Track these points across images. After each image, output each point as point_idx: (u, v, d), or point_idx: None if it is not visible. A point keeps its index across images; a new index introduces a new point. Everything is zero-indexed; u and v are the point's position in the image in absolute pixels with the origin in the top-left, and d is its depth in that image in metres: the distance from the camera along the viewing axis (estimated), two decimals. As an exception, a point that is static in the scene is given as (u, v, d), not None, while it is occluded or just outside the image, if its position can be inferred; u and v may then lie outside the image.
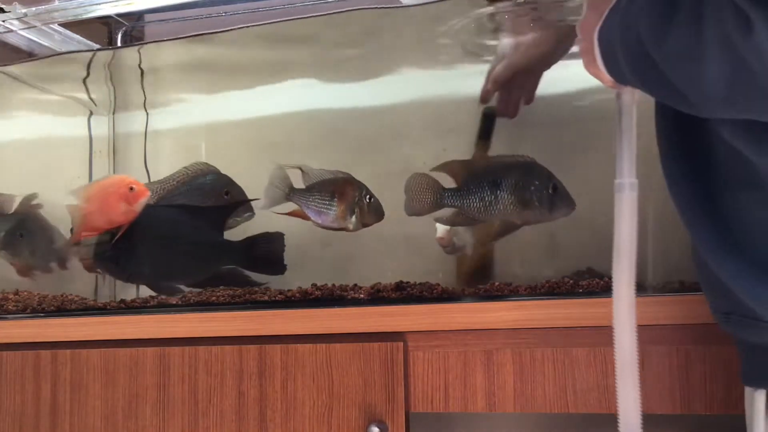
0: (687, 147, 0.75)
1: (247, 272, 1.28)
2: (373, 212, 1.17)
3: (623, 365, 0.77)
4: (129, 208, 1.21)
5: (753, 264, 0.68)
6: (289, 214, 1.21)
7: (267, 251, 1.27)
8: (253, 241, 1.27)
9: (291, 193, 1.21)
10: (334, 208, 1.18)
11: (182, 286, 1.28)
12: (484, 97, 1.23)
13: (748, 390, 0.74)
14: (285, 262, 1.26)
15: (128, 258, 1.26)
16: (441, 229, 1.20)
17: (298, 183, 1.22)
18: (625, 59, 0.68)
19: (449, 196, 1.13)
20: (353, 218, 1.17)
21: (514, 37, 1.22)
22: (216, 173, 1.30)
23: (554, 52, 1.18)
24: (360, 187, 1.18)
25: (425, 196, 1.14)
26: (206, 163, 1.30)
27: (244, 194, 1.28)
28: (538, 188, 1.09)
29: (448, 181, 1.15)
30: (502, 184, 1.11)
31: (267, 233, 1.27)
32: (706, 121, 0.71)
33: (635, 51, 0.66)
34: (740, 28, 0.54)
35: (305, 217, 1.20)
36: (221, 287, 1.25)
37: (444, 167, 1.15)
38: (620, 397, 0.77)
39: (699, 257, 0.77)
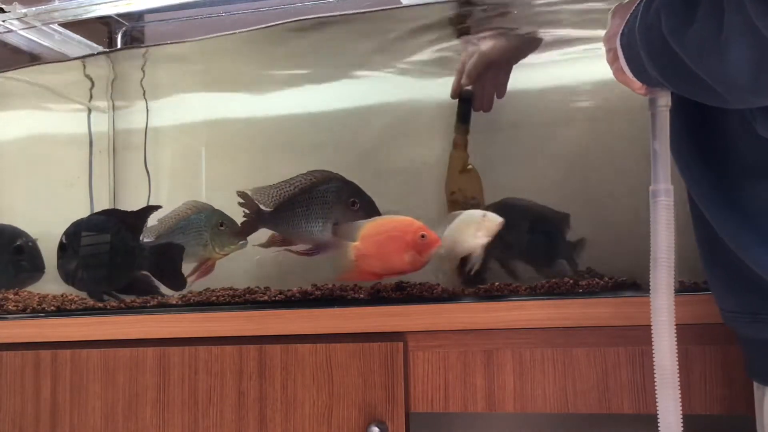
0: (707, 149, 0.74)
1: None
2: None
3: (663, 372, 0.75)
4: (417, 258, 1.04)
5: None
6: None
7: (164, 261, 1.24)
8: (157, 248, 1.24)
9: None
10: None
11: (114, 292, 1.28)
12: (455, 92, 1.25)
13: None
14: (183, 278, 1.23)
15: (71, 264, 1.27)
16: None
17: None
18: (649, 58, 0.68)
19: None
20: None
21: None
22: (342, 180, 1.18)
23: (521, 44, 1.21)
24: None
25: None
26: (328, 171, 1.19)
27: (373, 203, 1.17)
28: None
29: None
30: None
31: (169, 243, 1.25)
32: (727, 121, 0.70)
33: (659, 48, 0.65)
34: (759, 11, 0.53)
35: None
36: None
37: None
38: (660, 405, 0.75)
39: (714, 257, 0.76)
